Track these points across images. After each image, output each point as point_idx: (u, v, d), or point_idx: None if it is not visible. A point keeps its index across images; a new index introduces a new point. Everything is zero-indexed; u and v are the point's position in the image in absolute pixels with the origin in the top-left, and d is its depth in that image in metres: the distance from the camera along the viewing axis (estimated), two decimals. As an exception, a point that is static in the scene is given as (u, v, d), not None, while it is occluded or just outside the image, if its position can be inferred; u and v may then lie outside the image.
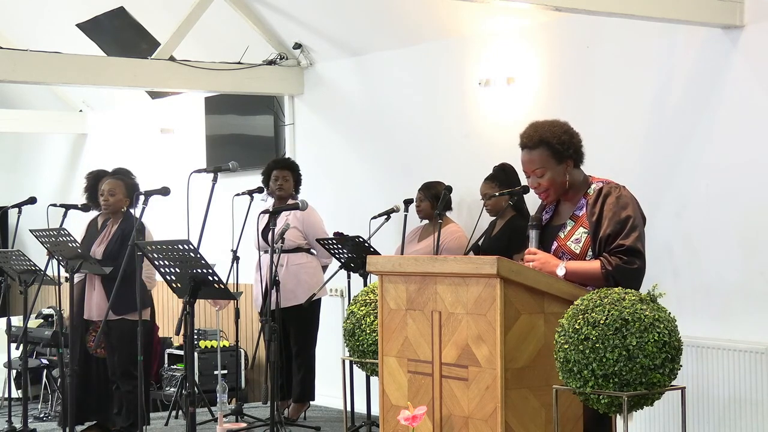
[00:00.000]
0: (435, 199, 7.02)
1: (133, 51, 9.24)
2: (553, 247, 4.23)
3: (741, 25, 5.79)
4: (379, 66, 8.16)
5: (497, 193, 6.40)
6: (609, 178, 4.35)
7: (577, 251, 4.16)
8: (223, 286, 4.98)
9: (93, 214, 7.27)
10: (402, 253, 7.08)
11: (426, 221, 7.18)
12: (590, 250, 4.14)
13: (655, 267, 6.10)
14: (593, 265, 4.08)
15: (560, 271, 4.09)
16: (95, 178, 7.23)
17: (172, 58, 8.21)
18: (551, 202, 4.35)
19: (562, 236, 4.23)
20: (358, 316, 4.93)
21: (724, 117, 5.90)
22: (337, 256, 7.04)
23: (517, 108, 7.00)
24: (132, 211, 6.73)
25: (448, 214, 7.13)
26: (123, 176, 7.05)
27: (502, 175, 6.68)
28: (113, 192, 6.86)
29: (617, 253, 4.04)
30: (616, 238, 4.06)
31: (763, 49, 5.73)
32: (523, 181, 6.42)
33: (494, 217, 6.63)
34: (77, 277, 6.79)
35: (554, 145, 4.19)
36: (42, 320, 9.81)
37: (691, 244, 6.09)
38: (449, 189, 7.01)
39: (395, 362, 4.40)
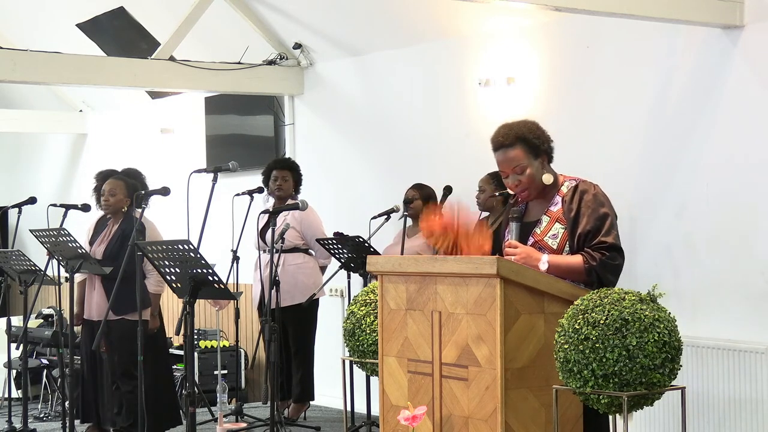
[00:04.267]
0: (426, 199, 7.06)
1: (133, 51, 9.24)
2: (530, 242, 4.25)
3: (741, 25, 5.80)
4: (379, 66, 8.16)
5: (497, 193, 6.45)
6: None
7: (555, 246, 4.19)
8: (223, 286, 4.98)
9: (100, 213, 7.24)
10: (402, 252, 7.08)
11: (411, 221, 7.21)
12: (567, 245, 4.18)
13: (655, 267, 6.15)
14: (575, 259, 4.12)
15: (543, 266, 4.12)
16: (104, 179, 7.18)
17: (172, 58, 8.20)
18: (531, 200, 4.35)
19: (539, 232, 4.25)
20: (358, 316, 4.93)
21: (724, 117, 5.90)
22: (337, 256, 7.04)
23: (517, 108, 6.98)
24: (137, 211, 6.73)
25: None
26: (126, 176, 7.04)
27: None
28: (113, 192, 6.86)
29: (600, 249, 4.10)
30: (597, 235, 4.12)
31: (763, 49, 5.73)
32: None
33: (480, 212, 6.69)
34: (79, 277, 6.79)
35: (531, 140, 4.24)
36: (42, 320, 9.80)
37: (691, 244, 6.09)
38: (449, 189, 7.02)
39: (395, 362, 4.40)
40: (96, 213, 7.21)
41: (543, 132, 4.31)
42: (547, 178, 4.25)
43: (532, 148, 4.23)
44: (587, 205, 4.16)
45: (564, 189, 4.26)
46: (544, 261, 4.13)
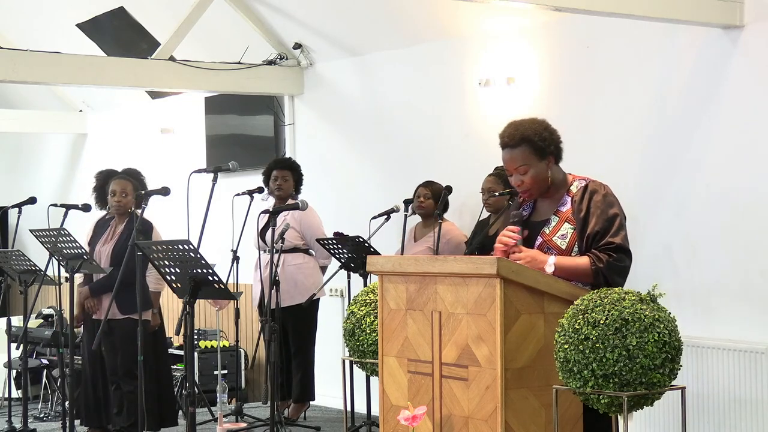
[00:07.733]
0: (436, 197, 7.08)
1: (133, 51, 9.24)
2: (538, 242, 4.24)
3: (741, 25, 5.80)
4: (379, 66, 8.16)
5: (497, 193, 6.45)
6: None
7: (563, 247, 4.18)
8: (223, 286, 4.97)
9: (98, 213, 7.21)
10: (402, 254, 7.07)
11: (419, 220, 7.20)
12: (576, 246, 4.17)
13: (655, 267, 6.14)
14: (582, 261, 4.11)
15: (549, 269, 4.11)
16: (105, 178, 7.14)
17: (172, 58, 8.20)
18: (532, 199, 4.35)
19: (547, 231, 4.24)
20: (358, 316, 4.93)
21: (724, 117, 5.90)
22: (337, 256, 7.04)
23: (517, 108, 6.98)
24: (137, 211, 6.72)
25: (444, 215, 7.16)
26: (133, 176, 7.03)
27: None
28: (126, 192, 6.84)
29: (607, 251, 4.09)
30: (605, 236, 4.11)
31: (763, 49, 5.73)
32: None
33: (489, 213, 6.70)
34: (80, 278, 6.78)
35: (536, 141, 4.20)
36: (42, 320, 9.80)
37: (691, 244, 6.09)
38: (449, 189, 7.03)
39: (395, 362, 4.40)
40: (95, 214, 7.19)
41: (551, 133, 4.26)
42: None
43: (537, 149, 4.20)
44: (597, 206, 4.15)
45: (573, 189, 4.24)
46: (550, 263, 4.11)
